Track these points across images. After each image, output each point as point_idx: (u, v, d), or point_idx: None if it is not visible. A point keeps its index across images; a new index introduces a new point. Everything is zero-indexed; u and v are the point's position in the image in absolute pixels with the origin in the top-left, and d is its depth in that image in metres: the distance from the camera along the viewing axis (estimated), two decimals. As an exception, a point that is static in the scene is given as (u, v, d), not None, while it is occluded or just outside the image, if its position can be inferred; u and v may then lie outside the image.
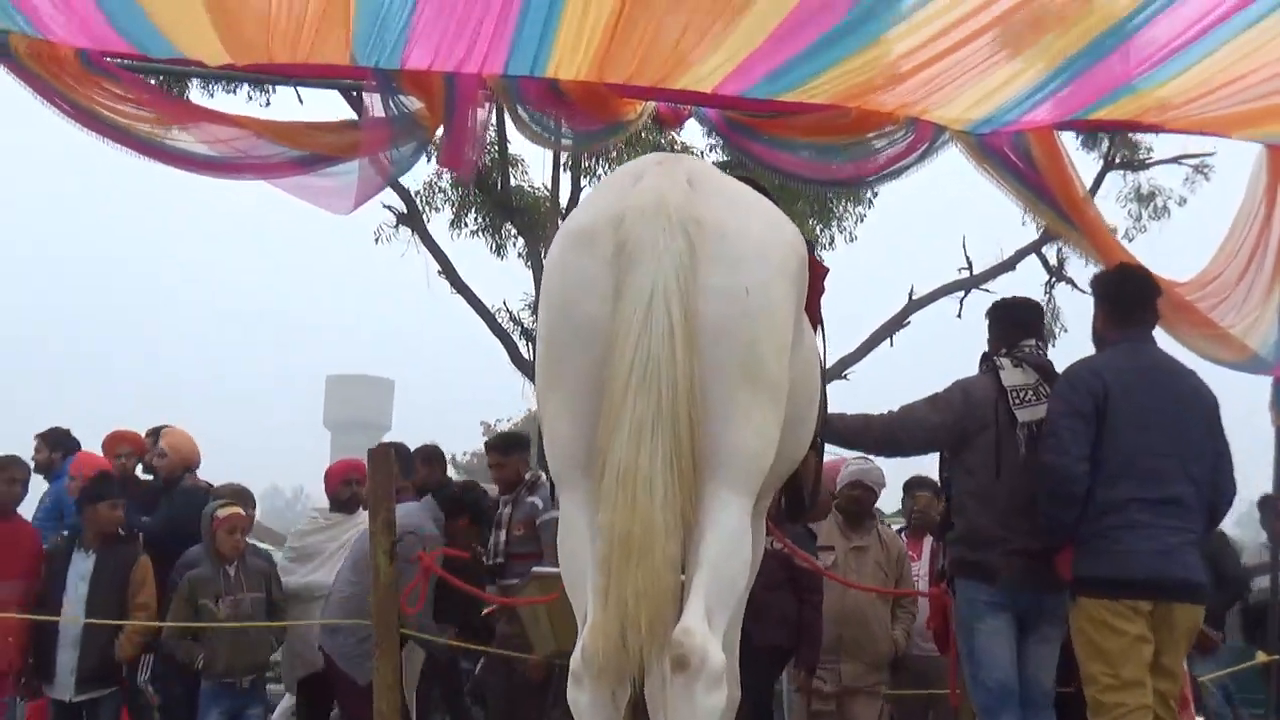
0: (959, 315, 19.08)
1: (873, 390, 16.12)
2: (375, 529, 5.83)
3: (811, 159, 6.10)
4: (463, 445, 36.31)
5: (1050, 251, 19.43)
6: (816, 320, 4.09)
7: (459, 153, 5.65)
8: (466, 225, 18.35)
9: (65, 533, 6.98)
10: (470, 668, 7.70)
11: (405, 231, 18.00)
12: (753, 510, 3.34)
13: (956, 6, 5.24)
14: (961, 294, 19.53)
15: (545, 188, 17.73)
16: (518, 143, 17.50)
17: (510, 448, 7.18)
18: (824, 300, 4.22)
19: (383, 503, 5.83)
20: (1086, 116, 5.84)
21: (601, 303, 3.15)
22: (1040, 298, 17.99)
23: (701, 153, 15.07)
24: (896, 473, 7.43)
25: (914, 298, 19.80)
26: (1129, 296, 5.02)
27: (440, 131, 5.58)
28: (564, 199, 16.89)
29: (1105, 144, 18.43)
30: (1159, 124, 5.80)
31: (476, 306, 18.05)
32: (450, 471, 9.84)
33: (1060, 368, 5.10)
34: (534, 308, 16.45)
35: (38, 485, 7.65)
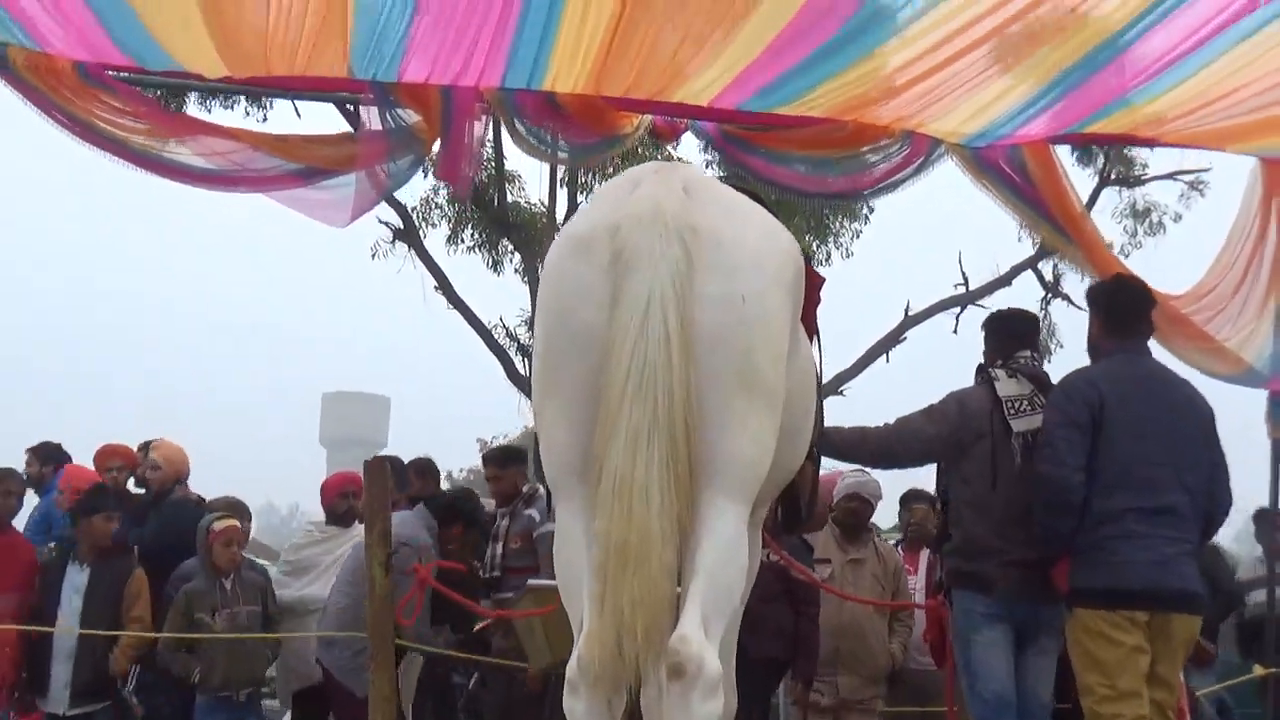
0: (955, 331, 19.10)
1: (869, 406, 16.16)
2: (371, 541, 5.81)
3: (808, 173, 6.11)
4: (459, 462, 36.25)
5: (1046, 267, 19.51)
6: (813, 330, 4.08)
7: (456, 166, 5.65)
8: (463, 241, 18.39)
9: (52, 545, 6.97)
10: (464, 682, 7.68)
11: (402, 247, 18.02)
12: (749, 520, 3.34)
13: (952, 19, 5.24)
14: (958, 310, 19.54)
15: (542, 203, 17.76)
16: (514, 159, 17.57)
17: (507, 460, 7.20)
18: (820, 313, 4.23)
19: (378, 514, 5.82)
20: (1081, 130, 5.86)
21: (598, 310, 3.15)
22: (1036, 313, 17.99)
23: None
24: (892, 486, 7.43)
25: (910, 314, 19.85)
26: (1124, 307, 5.04)
27: (437, 145, 5.60)
28: (561, 215, 16.88)
29: (1101, 160, 18.51)
30: (1154, 138, 5.81)
31: (473, 322, 18.06)
32: (445, 487, 9.83)
33: (1055, 381, 5.12)
34: (530, 324, 16.45)
35: (28, 499, 7.64)
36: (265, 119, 15.12)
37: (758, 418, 3.21)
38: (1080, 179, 17.73)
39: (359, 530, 6.60)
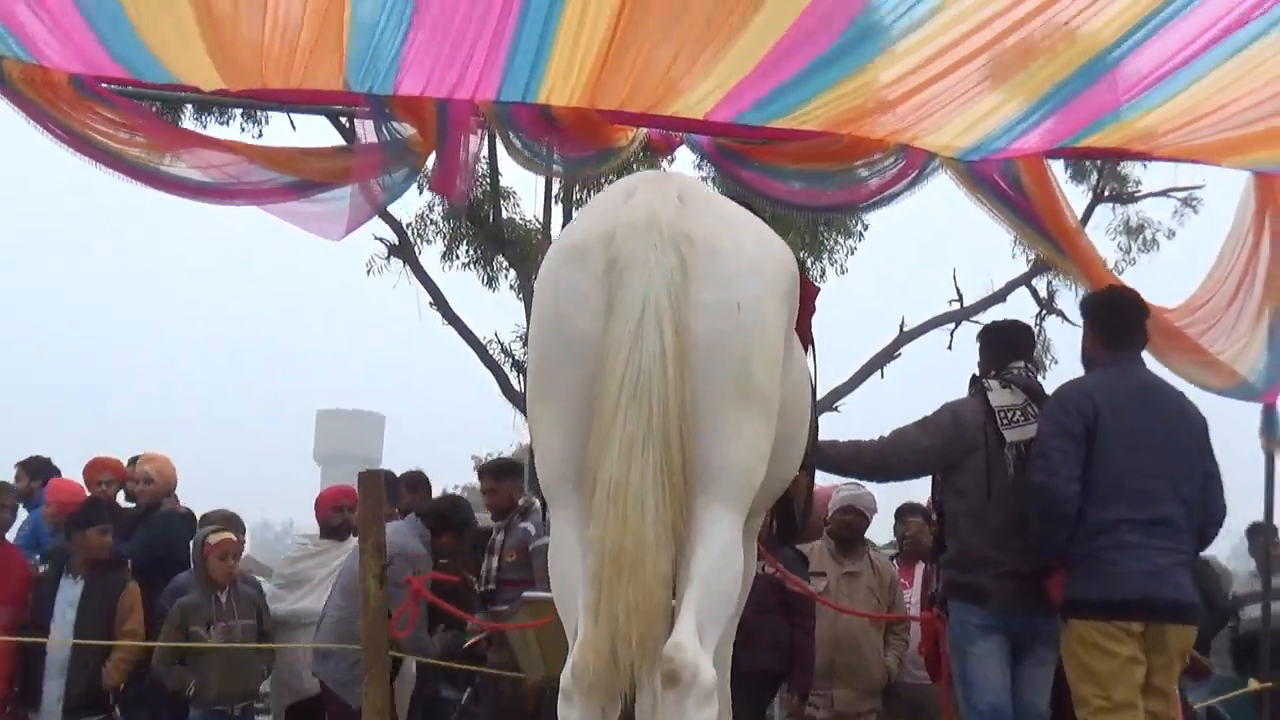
0: (949, 347, 19.10)
1: (864, 421, 16.14)
2: (365, 552, 5.80)
3: (803, 186, 6.13)
4: (453, 479, 36.13)
5: (1041, 283, 19.55)
6: (807, 340, 4.09)
7: (451, 179, 5.66)
8: (458, 257, 18.39)
9: (38, 557, 6.96)
10: (456, 697, 7.65)
11: (397, 263, 18.02)
12: (744, 529, 3.33)
13: (945, 34, 5.27)
14: (952, 326, 19.54)
15: (537, 220, 17.79)
16: (509, 175, 17.60)
17: (503, 474, 7.21)
18: (815, 328, 4.23)
19: (372, 526, 5.81)
20: (1074, 144, 5.88)
21: (593, 318, 3.16)
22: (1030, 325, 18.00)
23: (693, 184, 15.09)
24: (887, 499, 7.44)
25: (904, 329, 19.85)
26: (1118, 318, 5.06)
27: (432, 158, 5.61)
28: (555, 231, 16.92)
29: (1094, 176, 18.56)
30: (1147, 151, 5.83)
31: (468, 339, 18.06)
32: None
33: (1049, 392, 5.12)
34: (525, 340, 16.44)
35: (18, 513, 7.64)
36: (260, 134, 15.16)
37: (753, 425, 3.21)
38: (1074, 196, 17.81)
39: (353, 544, 6.59)
